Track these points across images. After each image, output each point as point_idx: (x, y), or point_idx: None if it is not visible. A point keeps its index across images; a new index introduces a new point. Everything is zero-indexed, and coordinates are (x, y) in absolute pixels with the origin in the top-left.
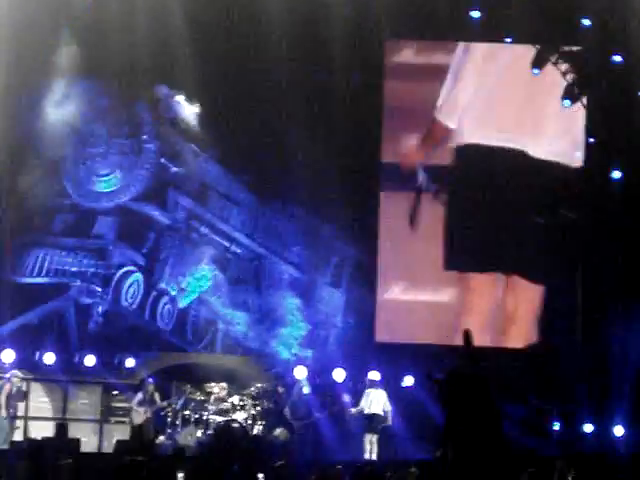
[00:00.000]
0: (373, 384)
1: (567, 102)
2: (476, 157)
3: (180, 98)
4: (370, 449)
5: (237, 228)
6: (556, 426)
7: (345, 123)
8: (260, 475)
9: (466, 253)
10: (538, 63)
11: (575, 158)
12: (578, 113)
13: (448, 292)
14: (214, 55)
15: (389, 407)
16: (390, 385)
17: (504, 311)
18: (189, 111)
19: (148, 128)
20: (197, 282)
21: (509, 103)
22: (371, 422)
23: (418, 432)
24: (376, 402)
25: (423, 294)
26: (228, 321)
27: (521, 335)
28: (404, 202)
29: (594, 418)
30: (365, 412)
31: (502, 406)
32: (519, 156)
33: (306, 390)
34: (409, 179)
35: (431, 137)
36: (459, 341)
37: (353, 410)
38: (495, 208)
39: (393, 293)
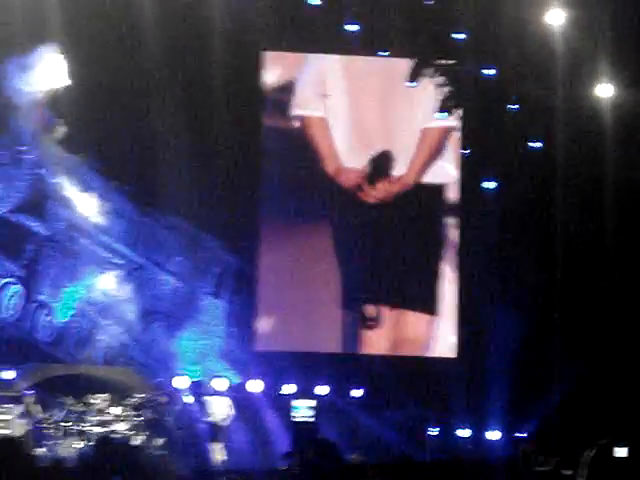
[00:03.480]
0: (216, 392)
1: (443, 115)
2: None
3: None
4: (218, 458)
5: (118, 239)
6: (433, 432)
7: (224, 133)
8: None
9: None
10: (414, 77)
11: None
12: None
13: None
14: (92, 71)
15: (232, 414)
16: (271, 393)
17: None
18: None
19: (26, 138)
20: (78, 293)
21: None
22: (213, 430)
23: None
24: (217, 410)
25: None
26: (109, 332)
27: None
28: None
29: (470, 423)
30: (208, 420)
31: (381, 412)
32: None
33: (188, 400)
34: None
35: None
36: (338, 348)
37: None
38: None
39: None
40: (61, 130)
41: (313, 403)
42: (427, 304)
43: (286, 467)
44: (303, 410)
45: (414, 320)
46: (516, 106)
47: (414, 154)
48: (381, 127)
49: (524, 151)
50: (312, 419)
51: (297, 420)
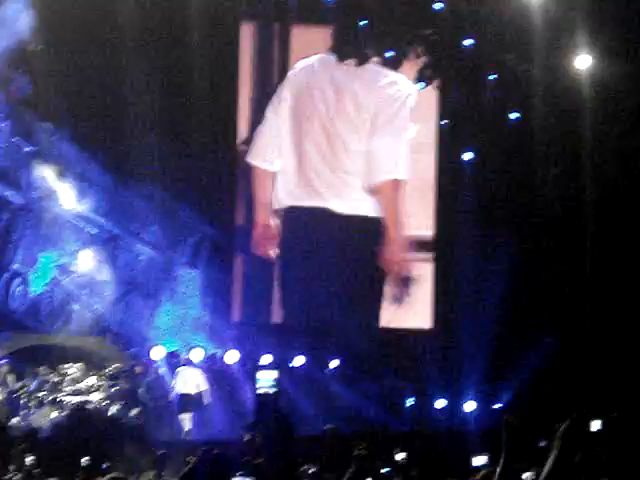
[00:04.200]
0: (188, 362)
1: (421, 85)
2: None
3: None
4: (188, 428)
5: (93, 208)
6: (409, 402)
7: (201, 101)
8: None
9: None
10: (391, 46)
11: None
12: None
13: None
14: (66, 36)
15: (205, 386)
16: (248, 364)
17: None
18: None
19: (0, 106)
20: (51, 263)
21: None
22: (182, 401)
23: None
24: (188, 381)
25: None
26: (84, 302)
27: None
28: None
29: (446, 395)
30: (177, 392)
31: (359, 385)
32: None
33: (163, 371)
34: None
35: None
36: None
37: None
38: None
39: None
40: (32, 95)
41: (274, 374)
42: None
43: (249, 438)
44: (264, 382)
45: None
46: (494, 76)
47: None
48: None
49: (502, 122)
50: (273, 390)
51: (260, 392)
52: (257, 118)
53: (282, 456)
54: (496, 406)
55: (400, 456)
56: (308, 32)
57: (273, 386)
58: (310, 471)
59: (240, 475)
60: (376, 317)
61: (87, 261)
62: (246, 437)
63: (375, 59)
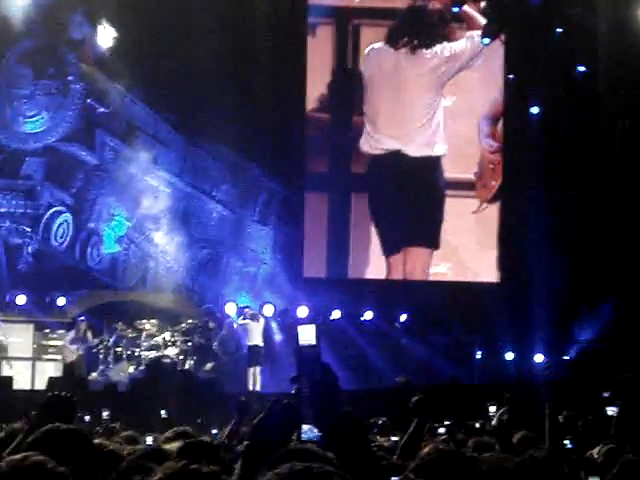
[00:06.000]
0: (253, 316)
1: (486, 40)
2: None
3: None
4: (254, 381)
5: (165, 168)
6: (478, 355)
7: (268, 60)
8: None
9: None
10: (458, 1)
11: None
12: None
13: None
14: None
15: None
16: (318, 319)
17: None
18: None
19: (74, 69)
20: (126, 222)
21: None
22: (251, 354)
23: (347, 364)
24: (255, 334)
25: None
26: (158, 260)
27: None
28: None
29: (515, 347)
30: (246, 344)
31: (427, 337)
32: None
33: (236, 325)
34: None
35: None
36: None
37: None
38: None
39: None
40: (104, 57)
41: (313, 328)
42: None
43: (295, 390)
44: (305, 335)
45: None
46: (560, 30)
47: None
48: None
49: (569, 76)
50: (314, 343)
51: (301, 344)
52: (325, 76)
53: (329, 407)
54: (564, 358)
55: (492, 408)
56: None
57: (313, 339)
58: (379, 422)
59: (309, 424)
60: None
61: (160, 220)
62: (293, 390)
63: None
